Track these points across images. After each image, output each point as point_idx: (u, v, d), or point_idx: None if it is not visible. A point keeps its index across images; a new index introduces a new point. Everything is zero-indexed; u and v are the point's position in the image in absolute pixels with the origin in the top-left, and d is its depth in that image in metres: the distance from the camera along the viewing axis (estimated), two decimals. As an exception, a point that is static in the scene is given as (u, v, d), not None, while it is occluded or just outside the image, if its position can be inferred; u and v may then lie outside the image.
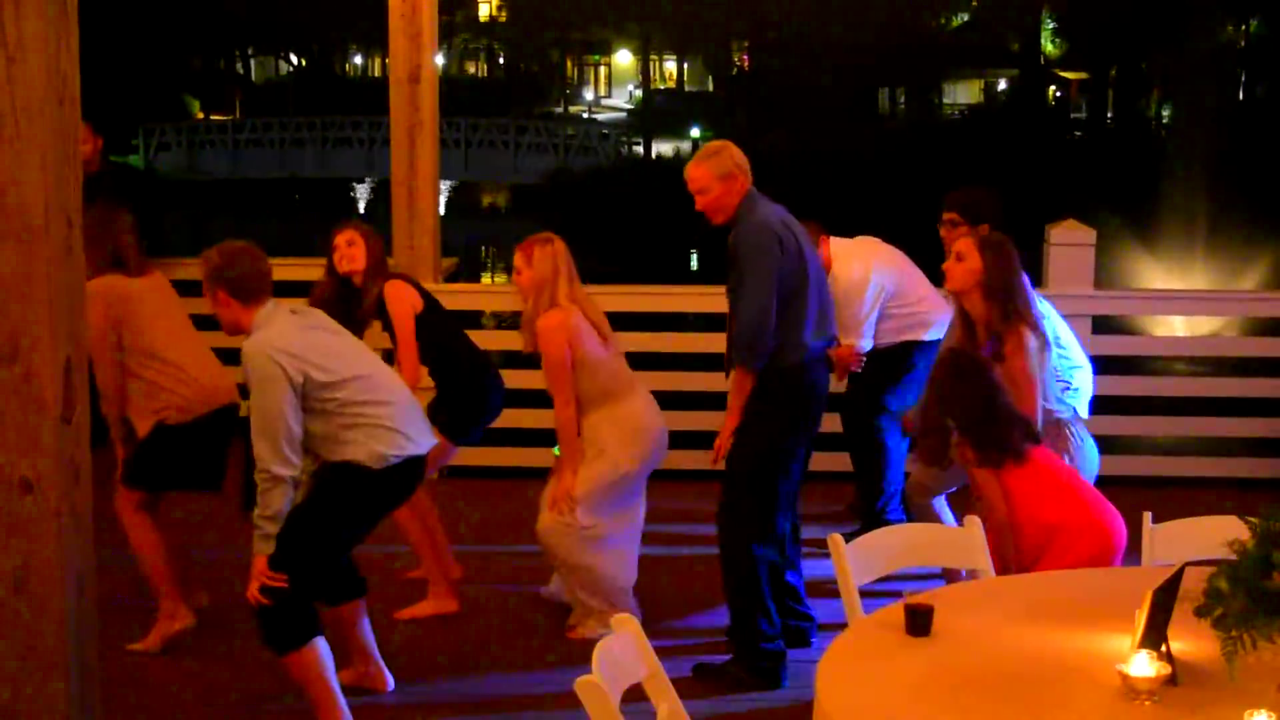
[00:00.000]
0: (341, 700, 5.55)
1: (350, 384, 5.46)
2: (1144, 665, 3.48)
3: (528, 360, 6.84)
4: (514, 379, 7.57)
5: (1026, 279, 6.25)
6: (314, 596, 5.58)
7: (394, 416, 5.55)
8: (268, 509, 5.33)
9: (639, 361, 7.55)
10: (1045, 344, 6.06)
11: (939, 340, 7.44)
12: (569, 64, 67.32)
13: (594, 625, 6.58)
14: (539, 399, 9.49)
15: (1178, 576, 3.70)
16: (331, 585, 5.94)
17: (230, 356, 6.82)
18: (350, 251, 7.03)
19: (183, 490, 6.77)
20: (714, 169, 6.18)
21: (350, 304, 7.07)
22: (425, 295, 7.09)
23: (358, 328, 7.07)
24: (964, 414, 5.68)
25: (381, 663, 6.14)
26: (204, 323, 6.68)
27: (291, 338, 5.42)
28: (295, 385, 5.34)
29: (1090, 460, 6.27)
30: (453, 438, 7.06)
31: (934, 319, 7.77)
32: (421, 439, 5.70)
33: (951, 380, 5.78)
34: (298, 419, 5.35)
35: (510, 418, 9.19)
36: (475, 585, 7.33)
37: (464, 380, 7.11)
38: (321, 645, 5.51)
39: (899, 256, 8.04)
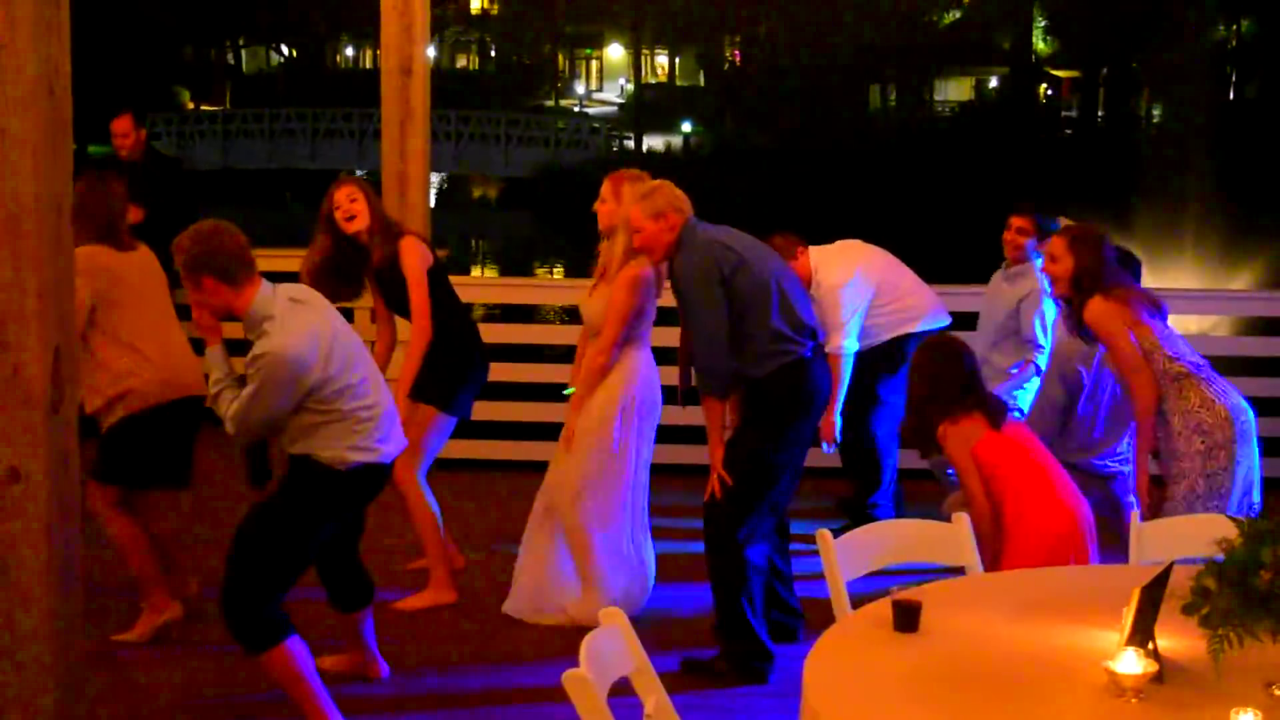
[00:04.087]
0: (323, 695, 5.50)
1: (348, 389, 5.38)
2: (1131, 663, 3.48)
3: (521, 353, 6.84)
4: (509, 373, 7.56)
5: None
6: (282, 594, 5.49)
7: (373, 421, 5.48)
8: (220, 403, 5.37)
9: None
10: (1137, 308, 6.16)
11: (930, 331, 7.53)
12: (560, 57, 67.31)
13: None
14: (535, 392, 9.53)
15: (1165, 574, 3.70)
16: (343, 591, 5.97)
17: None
18: (354, 208, 6.91)
19: (151, 488, 6.66)
20: (645, 209, 6.25)
21: (352, 264, 6.98)
22: (434, 255, 7.03)
23: (359, 288, 7.06)
24: (934, 383, 5.98)
25: (377, 653, 6.15)
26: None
27: (303, 336, 5.26)
28: (301, 392, 5.26)
29: (1232, 417, 6.01)
30: (444, 408, 7.02)
31: (923, 312, 7.82)
32: (391, 448, 5.61)
33: (925, 355, 6.14)
34: (278, 421, 5.32)
35: (507, 411, 9.22)
36: (471, 578, 7.36)
37: (456, 347, 7.06)
38: (295, 644, 5.44)
39: (882, 256, 8.06)
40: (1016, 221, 7.58)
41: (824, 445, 7.71)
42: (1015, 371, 7.48)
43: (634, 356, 6.72)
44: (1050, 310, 7.36)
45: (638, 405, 6.72)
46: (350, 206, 6.92)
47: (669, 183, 6.39)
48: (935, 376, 6.03)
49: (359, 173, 46.16)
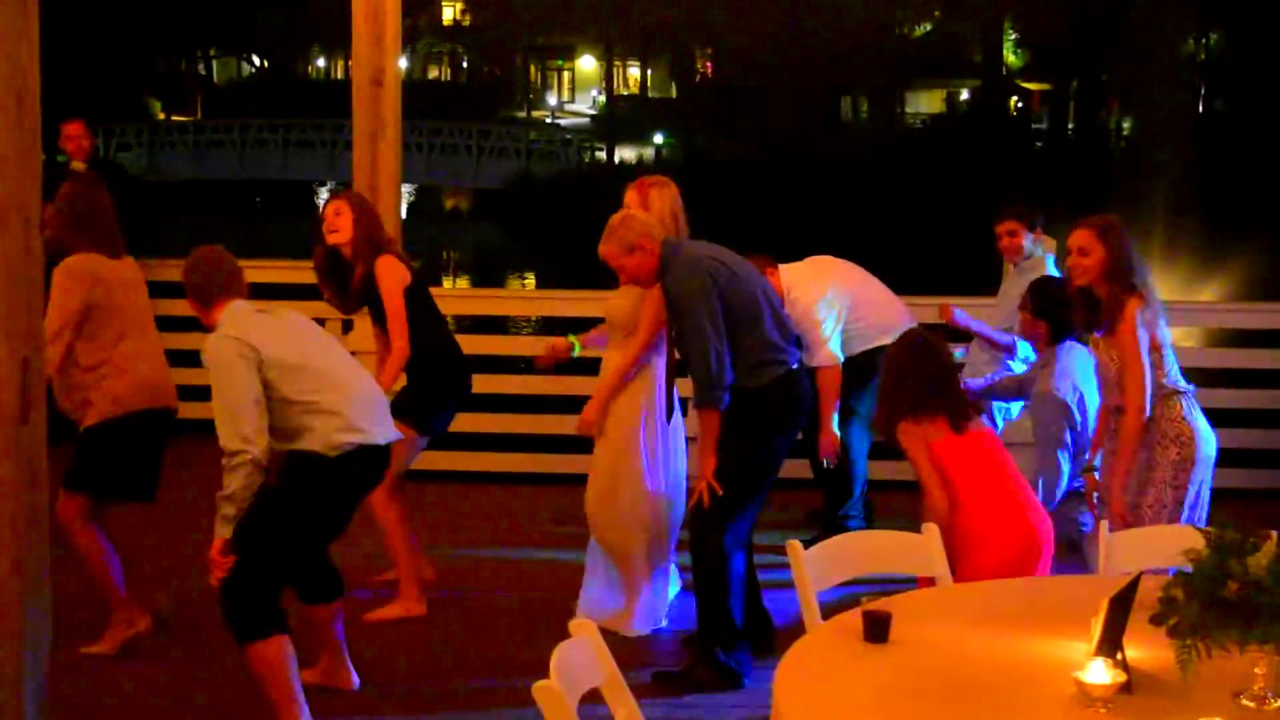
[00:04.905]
0: (301, 700, 5.52)
1: (308, 373, 5.47)
2: (1100, 673, 3.49)
3: (496, 365, 6.82)
4: (480, 385, 7.55)
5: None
6: (281, 588, 5.58)
7: (351, 404, 5.57)
8: (227, 489, 5.33)
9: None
10: (1157, 314, 6.01)
11: None
12: (532, 69, 67.31)
13: None
14: (507, 403, 9.52)
15: (1134, 585, 3.72)
16: (311, 584, 5.96)
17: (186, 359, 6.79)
18: (337, 221, 6.97)
19: (118, 500, 6.60)
20: (618, 246, 6.29)
21: (344, 275, 7.04)
22: (414, 274, 7.04)
23: (353, 300, 7.07)
24: (900, 378, 5.99)
25: (349, 662, 6.14)
26: (178, 323, 6.60)
27: (249, 329, 5.45)
28: (256, 365, 5.36)
29: (1204, 438, 6.03)
30: (418, 428, 7.02)
31: (895, 324, 7.82)
32: (380, 430, 5.71)
33: (898, 348, 6.15)
34: (261, 405, 5.36)
35: (479, 423, 9.20)
36: (441, 589, 7.34)
37: (433, 368, 7.06)
38: (285, 643, 5.48)
39: (853, 269, 8.09)
40: (1003, 227, 7.60)
41: (825, 461, 7.74)
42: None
43: (654, 363, 6.75)
44: None
45: (659, 410, 6.77)
46: (334, 221, 6.99)
47: (631, 213, 6.44)
48: (904, 370, 6.05)
49: (330, 184, 46.12)
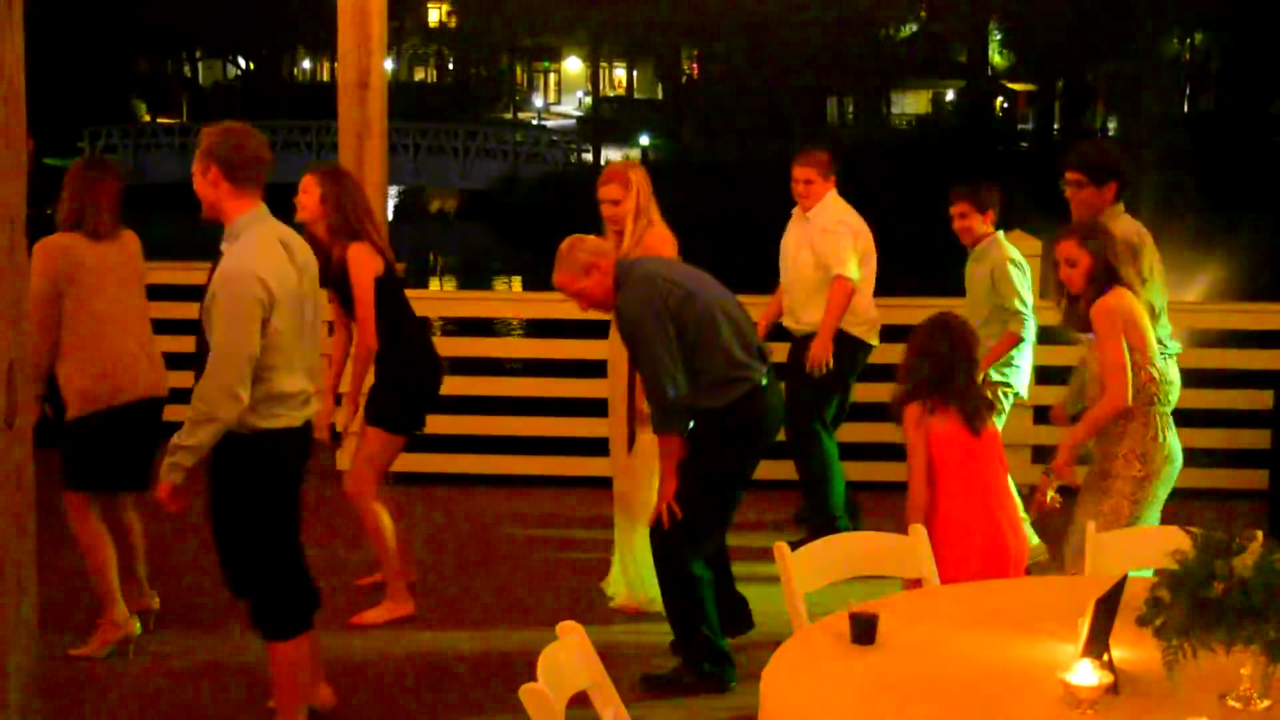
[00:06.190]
0: (305, 709, 5.49)
1: (280, 352, 5.15)
2: (1086, 674, 3.50)
3: (476, 366, 6.78)
4: (465, 385, 7.53)
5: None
6: (299, 584, 5.46)
7: (291, 393, 5.25)
8: (192, 438, 5.06)
9: (594, 369, 7.55)
10: (1139, 314, 6.02)
11: (865, 344, 7.65)
12: (519, 70, 67.39)
13: None
14: (489, 405, 9.51)
15: (1120, 586, 3.72)
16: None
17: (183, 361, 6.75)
18: (302, 199, 6.77)
19: (111, 490, 6.55)
20: (572, 271, 6.12)
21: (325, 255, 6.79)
22: (387, 263, 6.81)
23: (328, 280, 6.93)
24: (929, 357, 5.74)
25: (323, 680, 5.95)
26: (175, 326, 6.50)
27: (278, 275, 5.11)
28: (260, 318, 5.03)
29: (1167, 458, 6.02)
30: (390, 429, 6.92)
31: (869, 317, 7.87)
32: (307, 411, 5.38)
33: (932, 329, 5.85)
34: (255, 356, 5.05)
35: (462, 424, 9.19)
36: (427, 589, 7.32)
37: (402, 366, 6.91)
38: (306, 644, 5.43)
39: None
40: (955, 210, 7.61)
41: (811, 369, 7.72)
42: (994, 344, 7.42)
43: None
44: (1020, 276, 7.47)
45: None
46: (300, 197, 6.79)
47: (576, 236, 6.26)
48: (936, 348, 5.76)
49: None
